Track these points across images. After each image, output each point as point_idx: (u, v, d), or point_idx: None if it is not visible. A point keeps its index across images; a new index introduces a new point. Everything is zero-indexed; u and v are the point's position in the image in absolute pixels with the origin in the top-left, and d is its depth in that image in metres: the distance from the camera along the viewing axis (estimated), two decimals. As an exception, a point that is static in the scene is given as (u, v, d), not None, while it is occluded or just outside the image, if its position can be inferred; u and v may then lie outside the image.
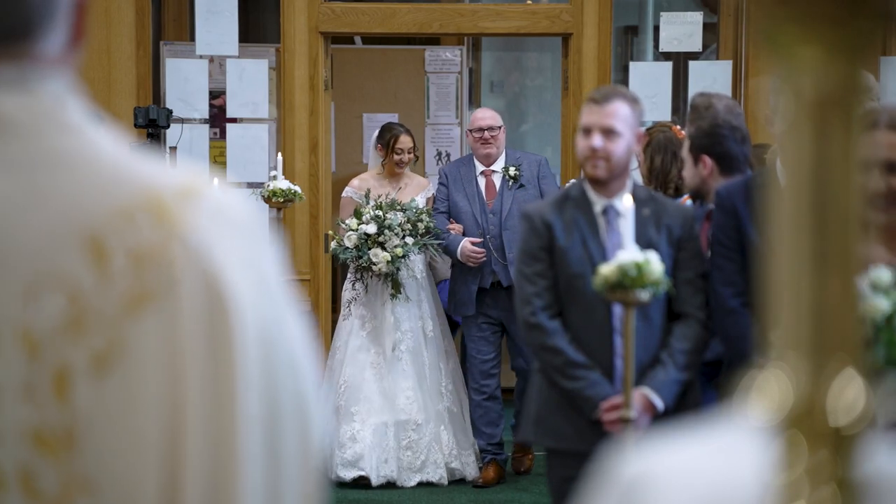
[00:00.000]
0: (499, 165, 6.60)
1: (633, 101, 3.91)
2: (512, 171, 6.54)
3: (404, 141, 6.72)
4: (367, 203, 6.47)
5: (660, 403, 3.74)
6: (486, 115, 6.68)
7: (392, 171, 6.71)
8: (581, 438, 3.79)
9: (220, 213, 1.27)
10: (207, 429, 1.21)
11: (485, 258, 6.46)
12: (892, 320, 2.06)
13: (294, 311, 1.32)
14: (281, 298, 1.30)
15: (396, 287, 6.38)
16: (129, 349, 1.21)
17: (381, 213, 6.34)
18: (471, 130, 6.66)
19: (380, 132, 6.86)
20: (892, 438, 0.86)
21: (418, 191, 6.71)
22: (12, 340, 1.21)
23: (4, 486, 1.21)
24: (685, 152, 4.45)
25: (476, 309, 6.54)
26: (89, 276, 1.22)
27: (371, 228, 6.31)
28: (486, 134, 6.56)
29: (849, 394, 0.73)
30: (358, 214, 6.40)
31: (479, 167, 6.61)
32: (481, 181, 6.61)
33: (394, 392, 6.40)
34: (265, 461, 1.25)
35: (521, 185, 6.52)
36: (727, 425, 0.94)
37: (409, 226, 6.37)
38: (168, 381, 1.22)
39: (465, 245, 6.47)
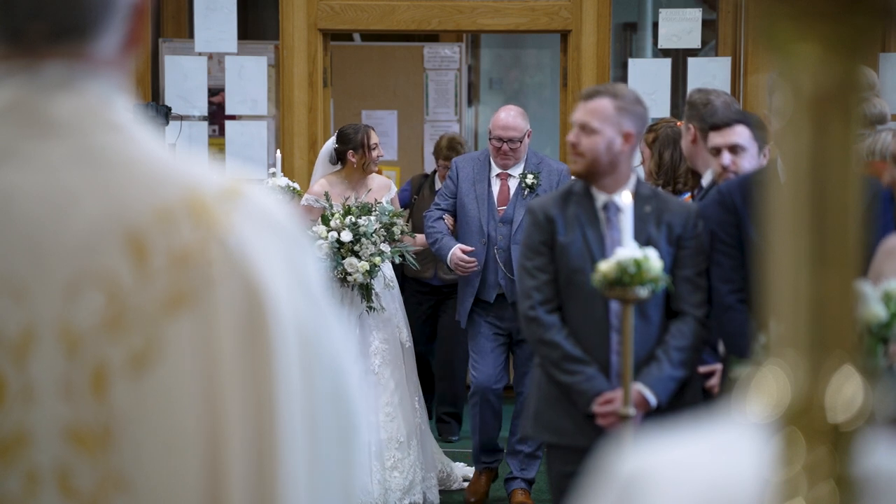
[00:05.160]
0: (517, 170, 6.00)
1: (622, 97, 3.86)
2: (530, 179, 5.92)
3: (374, 135, 6.21)
4: (331, 208, 5.89)
5: (653, 400, 3.75)
6: (509, 124, 5.96)
7: (369, 172, 6.16)
8: (580, 433, 3.80)
9: (260, 216, 1.28)
10: (248, 430, 1.22)
11: (475, 268, 5.91)
12: (883, 330, 2.06)
13: (336, 316, 1.33)
14: (322, 302, 1.30)
15: (370, 298, 5.86)
16: (167, 349, 1.22)
17: (353, 218, 5.80)
18: (490, 133, 6.06)
19: (343, 138, 6.19)
20: (891, 435, 0.86)
21: (382, 192, 6.17)
22: (51, 338, 1.21)
23: (41, 483, 1.21)
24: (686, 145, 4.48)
25: (479, 318, 6.02)
26: (129, 274, 1.23)
27: (346, 236, 5.76)
28: (506, 146, 5.94)
29: (847, 391, 0.73)
30: (325, 221, 5.82)
31: (496, 168, 6.03)
32: (495, 184, 6.01)
33: (373, 409, 5.91)
34: (306, 465, 1.25)
35: (537, 196, 5.73)
36: (726, 422, 0.94)
37: (383, 231, 5.84)
38: (205, 382, 1.22)
39: (455, 253, 5.91)
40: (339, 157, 6.23)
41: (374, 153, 6.17)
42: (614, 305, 3.73)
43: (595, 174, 3.84)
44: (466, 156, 6.42)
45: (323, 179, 6.22)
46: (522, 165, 6.01)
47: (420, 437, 6.07)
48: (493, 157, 6.02)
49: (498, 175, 6.03)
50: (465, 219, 6.02)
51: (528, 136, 6.03)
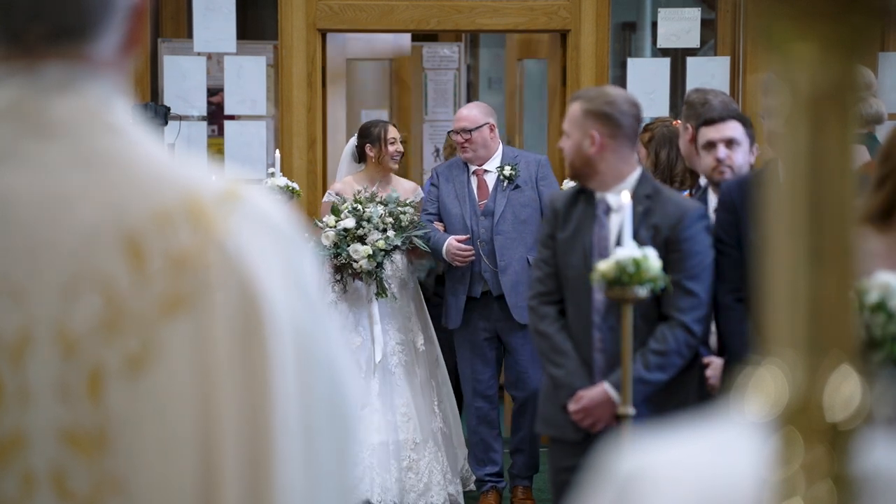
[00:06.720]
0: (493, 164, 6.03)
1: (591, 100, 3.91)
2: (507, 170, 5.95)
3: (394, 130, 6.24)
4: (346, 201, 5.94)
5: (618, 399, 3.76)
6: (461, 115, 6.11)
7: (388, 168, 6.18)
8: (575, 427, 3.83)
9: (259, 219, 1.28)
10: (243, 433, 1.22)
11: (472, 257, 5.90)
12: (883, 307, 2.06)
13: (332, 319, 1.32)
14: (319, 306, 1.30)
15: (381, 287, 5.81)
16: (163, 352, 1.22)
17: (359, 206, 5.84)
18: None
19: (363, 133, 6.28)
20: (889, 434, 0.86)
21: (407, 195, 6.13)
22: (48, 339, 1.21)
23: (37, 485, 1.21)
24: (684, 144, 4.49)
25: (464, 321, 5.97)
26: (126, 277, 1.23)
27: (349, 223, 5.78)
28: (459, 137, 6.02)
29: (845, 390, 0.73)
30: (336, 212, 5.87)
31: (472, 166, 6.05)
32: (473, 181, 6.04)
33: (390, 409, 5.88)
34: (302, 468, 1.25)
35: (517, 187, 5.94)
36: (724, 421, 0.94)
37: (390, 219, 5.83)
38: (200, 386, 1.22)
39: (451, 242, 5.89)
40: (359, 153, 6.29)
41: (392, 148, 6.19)
42: (598, 304, 3.76)
43: (578, 176, 3.95)
44: (444, 163, 6.49)
45: (348, 178, 6.26)
46: (498, 160, 6.06)
47: (441, 441, 6.01)
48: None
49: (474, 172, 6.07)
50: (448, 218, 6.06)
51: (492, 129, 6.06)
